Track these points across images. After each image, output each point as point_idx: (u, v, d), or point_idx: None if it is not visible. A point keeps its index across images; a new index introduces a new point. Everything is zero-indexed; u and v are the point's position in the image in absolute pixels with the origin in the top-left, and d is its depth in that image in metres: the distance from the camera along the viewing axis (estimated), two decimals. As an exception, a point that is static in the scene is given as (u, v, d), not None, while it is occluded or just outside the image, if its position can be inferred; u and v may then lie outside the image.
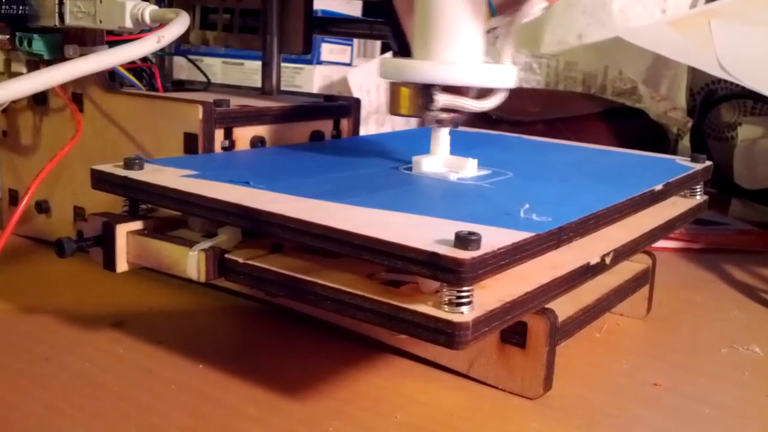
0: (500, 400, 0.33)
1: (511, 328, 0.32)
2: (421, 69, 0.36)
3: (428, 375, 0.35)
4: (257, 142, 0.45)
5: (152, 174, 0.34)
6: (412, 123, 0.79)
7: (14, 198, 0.52)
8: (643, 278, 0.43)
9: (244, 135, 0.44)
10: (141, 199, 0.35)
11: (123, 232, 0.34)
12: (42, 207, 0.50)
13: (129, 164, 0.35)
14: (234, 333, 0.40)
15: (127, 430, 0.30)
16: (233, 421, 0.30)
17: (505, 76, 0.36)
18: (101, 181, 0.35)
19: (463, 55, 0.36)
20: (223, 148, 0.43)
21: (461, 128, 0.53)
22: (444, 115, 0.37)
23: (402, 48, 0.40)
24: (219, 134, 0.42)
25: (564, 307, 0.34)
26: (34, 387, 0.32)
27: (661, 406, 0.33)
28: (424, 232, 0.27)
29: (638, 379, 0.36)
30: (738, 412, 0.33)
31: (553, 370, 0.33)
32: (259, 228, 0.30)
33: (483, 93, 0.37)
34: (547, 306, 0.32)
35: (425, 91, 0.36)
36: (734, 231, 0.63)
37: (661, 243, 0.51)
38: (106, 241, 0.33)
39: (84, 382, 0.33)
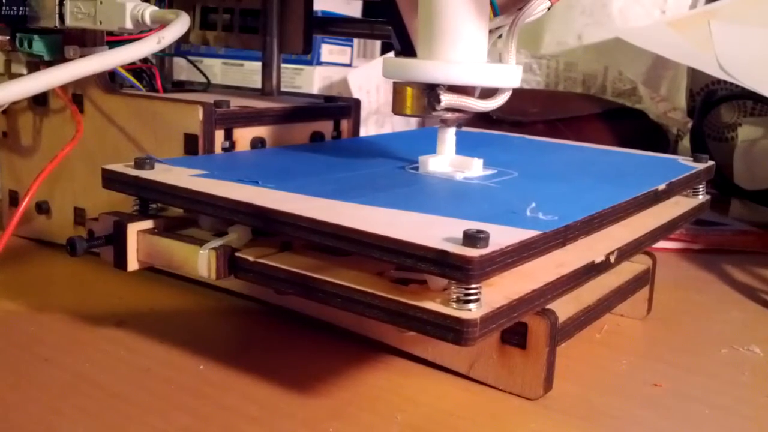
0: (500, 401, 0.33)
1: (512, 329, 0.33)
2: (425, 69, 0.36)
3: (429, 375, 0.35)
4: (257, 142, 0.45)
5: (162, 173, 0.34)
6: (412, 123, 0.79)
7: (14, 199, 0.52)
8: (644, 279, 0.43)
9: (244, 136, 0.44)
10: (151, 199, 0.35)
11: (134, 231, 0.34)
12: (42, 208, 0.50)
13: (140, 164, 0.35)
14: (234, 334, 0.40)
15: (126, 430, 0.29)
16: (234, 422, 0.30)
17: (510, 75, 0.37)
18: (112, 180, 0.35)
19: (467, 54, 0.36)
20: (224, 149, 0.43)
21: (465, 128, 0.54)
22: (448, 115, 0.37)
23: (405, 47, 0.40)
24: (219, 135, 0.42)
25: (564, 307, 0.35)
26: (34, 387, 0.32)
27: (661, 407, 0.33)
28: (433, 230, 0.27)
29: (638, 379, 0.36)
30: (738, 412, 0.33)
31: (554, 371, 0.33)
32: (270, 227, 0.30)
33: (487, 93, 0.37)
34: (547, 306, 0.32)
35: (430, 91, 0.36)
36: (734, 231, 0.63)
37: (662, 243, 0.51)
38: (116, 240, 0.34)
39: (84, 382, 0.33)
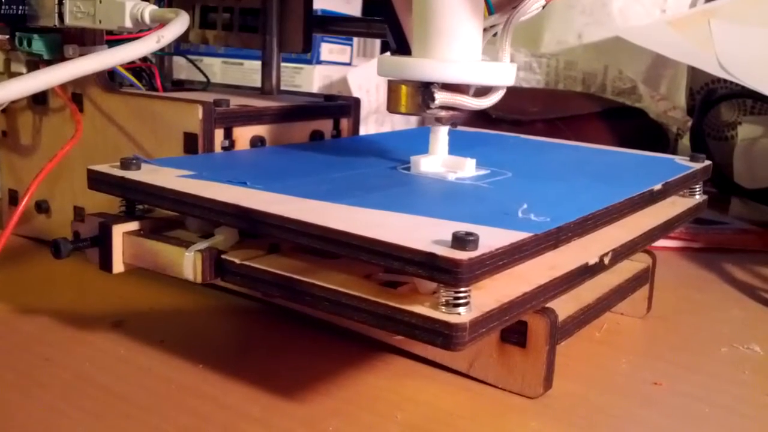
0: (500, 400, 0.33)
1: (512, 328, 0.32)
2: (420, 67, 0.36)
3: (428, 374, 0.35)
4: (257, 141, 0.45)
5: (149, 174, 0.34)
6: (412, 122, 0.79)
7: (14, 198, 0.52)
8: (643, 277, 0.43)
9: (243, 135, 0.44)
10: (137, 200, 0.35)
11: (119, 232, 0.33)
12: (42, 207, 0.50)
13: (126, 164, 0.35)
14: (234, 333, 0.40)
15: (126, 430, 0.30)
16: (233, 421, 0.30)
17: (504, 73, 0.36)
18: (98, 181, 0.35)
19: (462, 53, 0.36)
20: (223, 148, 0.43)
21: (460, 128, 0.53)
22: (443, 113, 0.37)
23: (400, 46, 0.40)
24: (219, 134, 0.42)
25: (564, 306, 0.35)
26: (34, 387, 0.32)
27: (661, 406, 0.33)
28: (422, 232, 0.27)
29: (638, 378, 0.36)
30: (738, 411, 0.33)
31: (553, 370, 0.33)
32: (256, 228, 0.30)
33: (482, 91, 0.37)
34: (547, 305, 0.32)
35: (424, 89, 0.36)
36: (734, 230, 0.63)
37: (661, 242, 0.51)
38: (102, 241, 0.33)
39: (84, 382, 0.33)
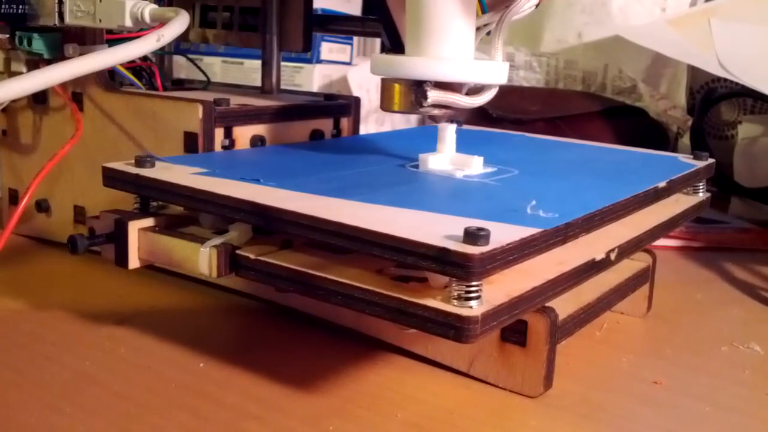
0: (500, 399, 0.33)
1: (512, 327, 0.33)
2: (413, 65, 0.36)
3: (429, 373, 0.35)
4: (257, 141, 0.45)
5: (163, 172, 0.34)
6: (412, 121, 0.79)
7: (14, 197, 0.52)
8: (644, 277, 0.43)
9: (243, 134, 0.44)
10: (152, 197, 0.35)
11: (135, 228, 0.34)
12: (42, 206, 0.50)
13: (140, 162, 0.35)
14: (235, 332, 0.40)
15: (127, 428, 0.29)
16: (234, 420, 0.30)
17: (496, 72, 0.37)
18: (112, 179, 0.35)
19: (454, 51, 0.36)
20: (223, 147, 0.43)
21: (465, 126, 0.53)
22: (436, 111, 0.37)
23: (395, 44, 0.40)
24: (219, 133, 0.42)
25: (564, 305, 0.35)
26: (34, 386, 0.32)
27: (661, 405, 0.33)
28: (434, 228, 0.27)
29: (638, 377, 0.36)
30: (738, 410, 0.33)
31: (554, 369, 0.33)
32: (271, 225, 0.30)
33: (475, 89, 0.37)
34: (547, 304, 0.32)
35: (417, 88, 0.36)
36: (734, 229, 0.63)
37: (662, 241, 0.51)
38: (118, 238, 0.34)
39: (84, 380, 0.33)
